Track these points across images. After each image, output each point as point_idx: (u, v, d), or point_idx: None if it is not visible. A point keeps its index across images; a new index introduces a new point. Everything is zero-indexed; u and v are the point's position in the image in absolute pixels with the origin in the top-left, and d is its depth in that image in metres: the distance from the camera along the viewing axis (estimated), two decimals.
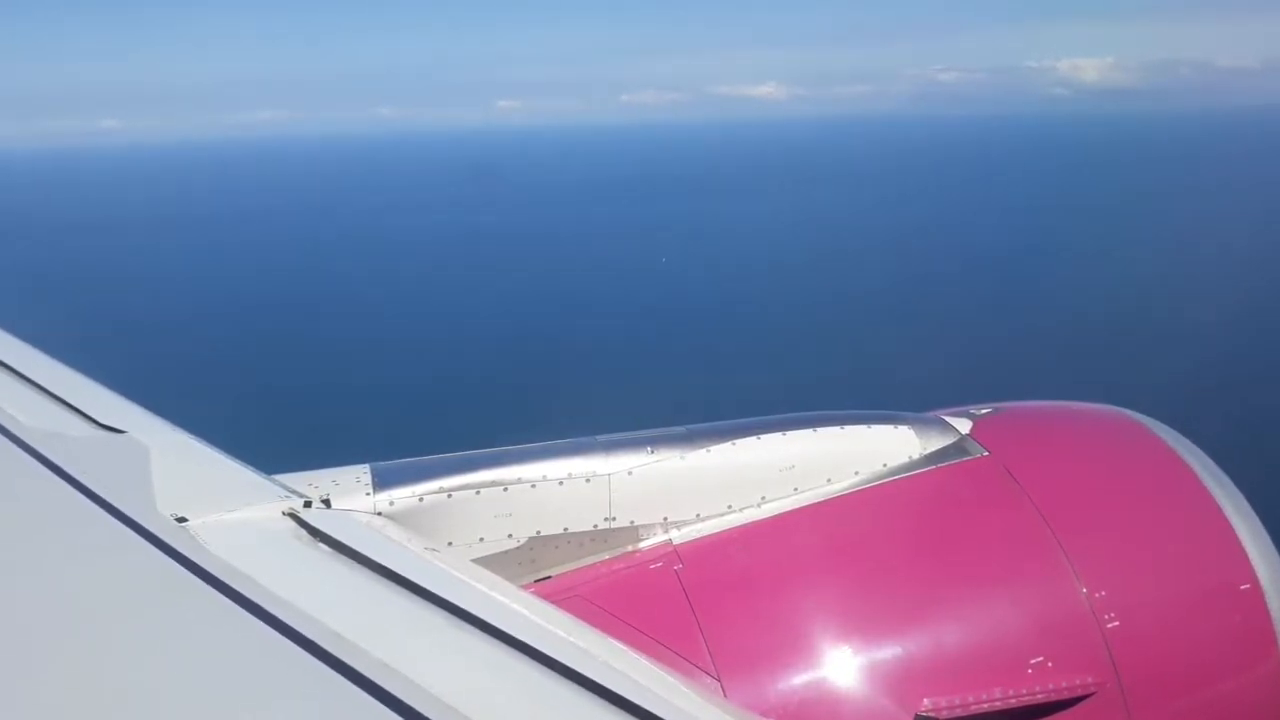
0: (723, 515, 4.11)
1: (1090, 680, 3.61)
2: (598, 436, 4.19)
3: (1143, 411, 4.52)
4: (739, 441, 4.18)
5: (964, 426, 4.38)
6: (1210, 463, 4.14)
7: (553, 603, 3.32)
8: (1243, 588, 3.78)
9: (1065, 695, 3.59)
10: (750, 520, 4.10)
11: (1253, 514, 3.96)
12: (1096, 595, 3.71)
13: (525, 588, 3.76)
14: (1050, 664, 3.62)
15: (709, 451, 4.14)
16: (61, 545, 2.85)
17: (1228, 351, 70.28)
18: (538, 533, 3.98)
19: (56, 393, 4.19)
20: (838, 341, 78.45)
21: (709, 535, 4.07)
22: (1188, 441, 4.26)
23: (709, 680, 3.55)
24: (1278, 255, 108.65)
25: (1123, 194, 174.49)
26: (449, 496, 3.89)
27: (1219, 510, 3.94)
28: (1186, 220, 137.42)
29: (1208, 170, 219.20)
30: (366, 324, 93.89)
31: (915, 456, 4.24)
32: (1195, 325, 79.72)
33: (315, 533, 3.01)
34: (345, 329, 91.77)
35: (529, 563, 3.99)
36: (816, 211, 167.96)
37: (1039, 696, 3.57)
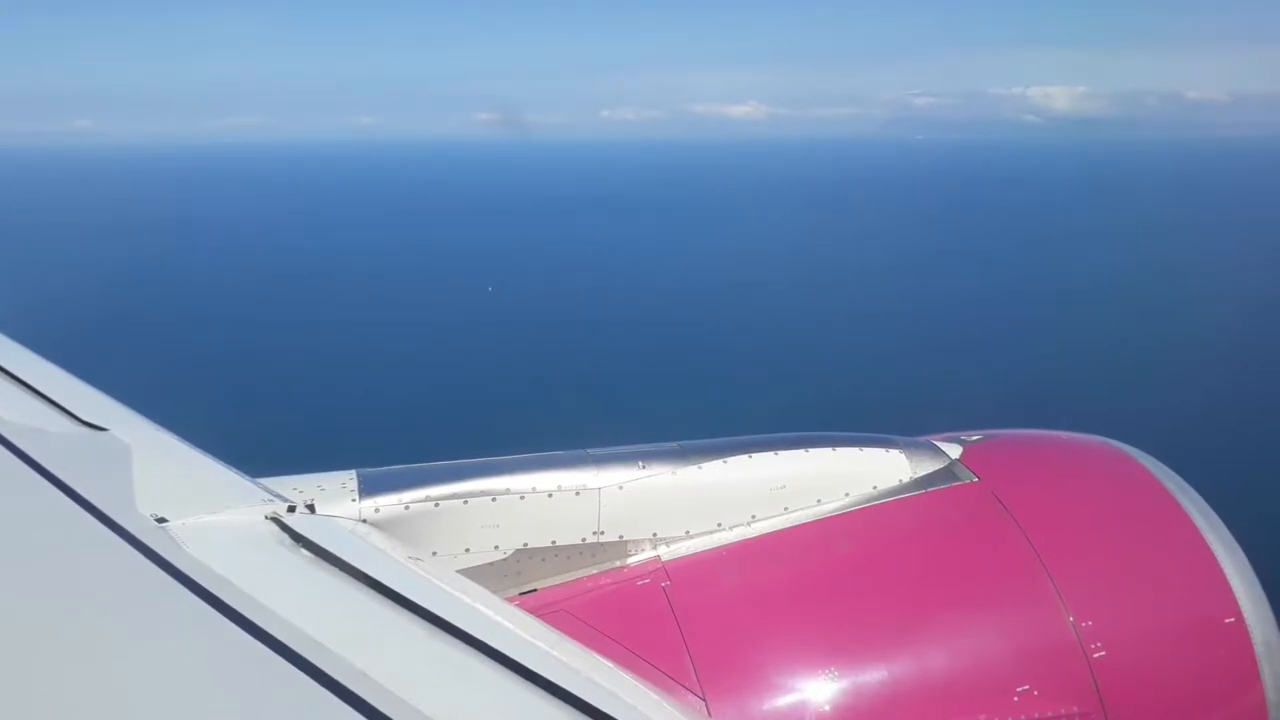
0: (712, 533, 4.08)
1: (1075, 710, 3.60)
2: (589, 450, 4.15)
3: (1123, 440, 4.55)
4: (731, 459, 4.16)
5: (954, 452, 4.40)
6: (1196, 495, 4.17)
7: (537, 616, 3.27)
8: (1227, 621, 3.80)
9: None
10: (740, 539, 4.07)
11: (1237, 547, 3.98)
12: (1083, 625, 3.71)
13: (510, 600, 3.70)
14: (1036, 692, 3.60)
15: (701, 468, 4.12)
16: (38, 542, 2.80)
17: (1206, 380, 71.07)
18: (525, 545, 3.93)
19: (38, 388, 4.12)
20: (819, 363, 78.83)
21: (698, 553, 4.04)
22: (1173, 473, 4.29)
23: (693, 699, 3.52)
24: (1246, 283, 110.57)
25: (1093, 221, 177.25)
26: (436, 505, 3.84)
27: (1204, 543, 3.95)
28: (1156, 248, 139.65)
29: (1177, 199, 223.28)
30: (344, 331, 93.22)
31: (905, 480, 4.24)
32: (1171, 353, 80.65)
33: (297, 538, 2.96)
34: (322, 336, 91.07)
35: (515, 575, 3.94)
36: (794, 233, 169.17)
37: None
